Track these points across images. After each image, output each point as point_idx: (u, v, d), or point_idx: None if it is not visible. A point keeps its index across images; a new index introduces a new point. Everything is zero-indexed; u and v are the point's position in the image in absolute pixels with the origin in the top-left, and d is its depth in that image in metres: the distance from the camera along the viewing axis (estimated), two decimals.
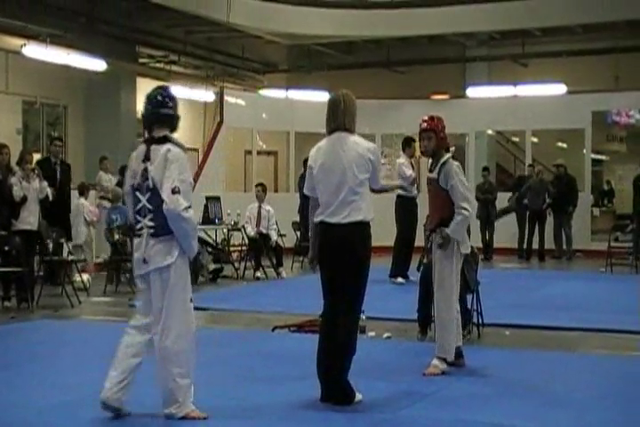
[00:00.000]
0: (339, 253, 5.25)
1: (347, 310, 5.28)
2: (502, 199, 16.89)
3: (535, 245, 16.32)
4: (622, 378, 6.39)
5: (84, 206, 12.70)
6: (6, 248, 9.73)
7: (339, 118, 5.50)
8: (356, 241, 5.27)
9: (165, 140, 5.00)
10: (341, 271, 5.25)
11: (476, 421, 5.09)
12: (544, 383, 6.12)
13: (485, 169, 16.87)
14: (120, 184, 13.09)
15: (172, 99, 5.12)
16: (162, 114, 5.03)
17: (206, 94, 17.66)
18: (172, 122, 5.07)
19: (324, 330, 5.34)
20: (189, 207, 4.88)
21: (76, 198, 12.62)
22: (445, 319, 6.12)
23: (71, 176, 12.26)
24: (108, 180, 13.64)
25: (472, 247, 6.87)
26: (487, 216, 16.02)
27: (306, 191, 5.51)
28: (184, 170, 4.92)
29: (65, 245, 11.28)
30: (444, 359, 6.14)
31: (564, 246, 16.38)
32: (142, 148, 5.04)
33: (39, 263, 10.60)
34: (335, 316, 5.24)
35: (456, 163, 6.29)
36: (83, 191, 12.88)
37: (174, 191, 4.84)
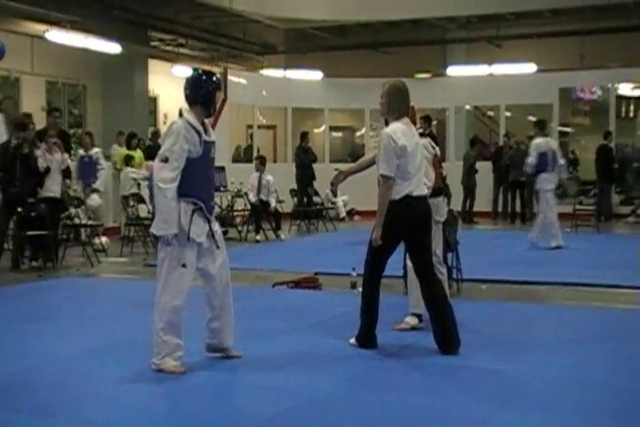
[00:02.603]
0: (427, 218, 5.46)
1: (431, 264, 5.54)
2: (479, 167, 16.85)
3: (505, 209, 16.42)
4: (586, 326, 6.39)
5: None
6: (33, 214, 9.66)
7: (406, 106, 5.48)
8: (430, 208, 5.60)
9: (181, 114, 5.02)
10: (424, 234, 5.42)
11: (456, 365, 5.07)
12: (516, 331, 6.12)
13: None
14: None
15: (186, 81, 5.09)
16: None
17: None
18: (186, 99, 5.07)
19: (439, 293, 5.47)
20: (173, 179, 4.73)
21: None
22: (414, 278, 5.95)
23: (71, 145, 11.90)
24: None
25: (452, 210, 6.82)
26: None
27: (389, 172, 5.26)
28: (176, 141, 4.79)
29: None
30: (418, 316, 6.03)
31: (535, 209, 16.37)
32: None
33: (62, 227, 10.51)
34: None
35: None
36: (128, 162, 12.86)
37: (161, 160, 4.80)
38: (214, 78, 5.09)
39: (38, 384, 4.72)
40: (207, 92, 4.99)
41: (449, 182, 7.09)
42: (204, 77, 5.04)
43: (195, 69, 5.22)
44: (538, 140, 11.40)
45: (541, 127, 11.94)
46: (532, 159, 11.24)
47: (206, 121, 5.07)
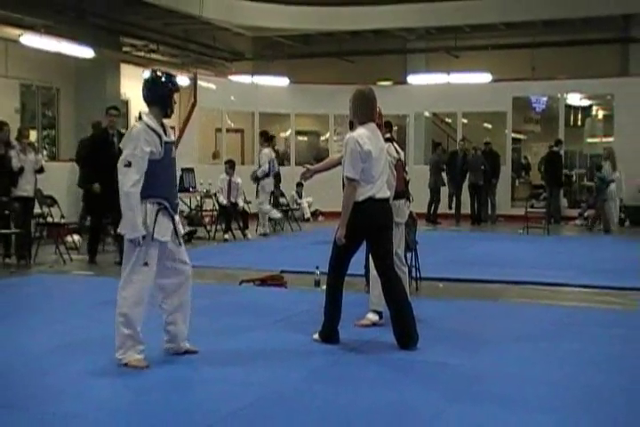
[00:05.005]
0: (388, 219, 5.48)
1: (392, 263, 5.54)
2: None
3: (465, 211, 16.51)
4: (536, 322, 6.46)
5: None
6: (6, 212, 9.53)
7: (372, 111, 5.48)
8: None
9: (140, 117, 4.91)
10: (385, 234, 5.44)
11: (414, 360, 5.10)
12: (471, 328, 6.16)
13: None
14: None
15: (144, 82, 5.02)
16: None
17: (182, 79, 17.34)
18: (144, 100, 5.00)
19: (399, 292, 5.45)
20: (138, 181, 4.68)
21: None
22: (376, 276, 5.95)
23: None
24: None
25: (412, 212, 6.84)
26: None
27: (354, 175, 5.26)
28: (137, 145, 4.73)
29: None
30: (379, 313, 6.05)
31: (489, 212, 16.55)
32: None
33: (35, 225, 10.37)
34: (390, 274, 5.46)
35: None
36: None
37: (125, 165, 4.72)
38: (172, 79, 5.00)
39: (6, 378, 4.64)
40: (164, 93, 4.92)
41: (410, 186, 7.08)
42: (162, 78, 4.97)
43: (153, 71, 5.13)
44: (266, 151, 13.23)
45: (266, 139, 13.52)
46: (264, 167, 13.07)
47: (165, 122, 4.99)
